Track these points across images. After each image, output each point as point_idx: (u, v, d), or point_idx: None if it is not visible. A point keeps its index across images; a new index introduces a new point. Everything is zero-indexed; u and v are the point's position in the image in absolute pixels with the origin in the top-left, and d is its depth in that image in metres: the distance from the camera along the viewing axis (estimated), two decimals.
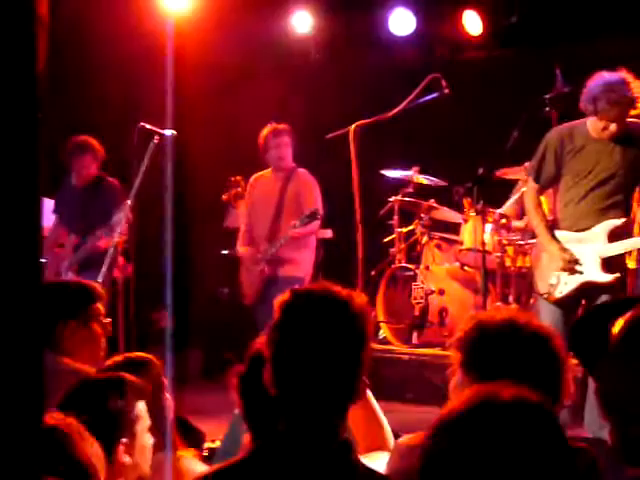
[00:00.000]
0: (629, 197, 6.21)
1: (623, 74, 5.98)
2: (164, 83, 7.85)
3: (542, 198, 6.49)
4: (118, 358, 3.82)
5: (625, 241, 6.11)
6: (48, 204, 9.17)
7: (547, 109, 6.01)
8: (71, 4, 8.74)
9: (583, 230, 6.22)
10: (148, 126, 7.61)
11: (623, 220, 6.13)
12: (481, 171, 6.03)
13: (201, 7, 9.33)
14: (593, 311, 2.50)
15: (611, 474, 2.79)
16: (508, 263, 8.51)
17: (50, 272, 8.00)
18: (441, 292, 8.82)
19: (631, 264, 6.16)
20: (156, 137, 7.53)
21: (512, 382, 1.77)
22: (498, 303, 8.28)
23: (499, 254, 8.44)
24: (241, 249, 8.22)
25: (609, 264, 6.13)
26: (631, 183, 6.19)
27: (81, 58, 10.01)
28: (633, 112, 6.04)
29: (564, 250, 6.21)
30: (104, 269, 7.34)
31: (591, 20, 9.40)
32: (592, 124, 6.14)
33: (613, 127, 6.05)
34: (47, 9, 1.80)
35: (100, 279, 7.34)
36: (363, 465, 2.56)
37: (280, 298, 2.56)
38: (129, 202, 7.58)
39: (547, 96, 6.01)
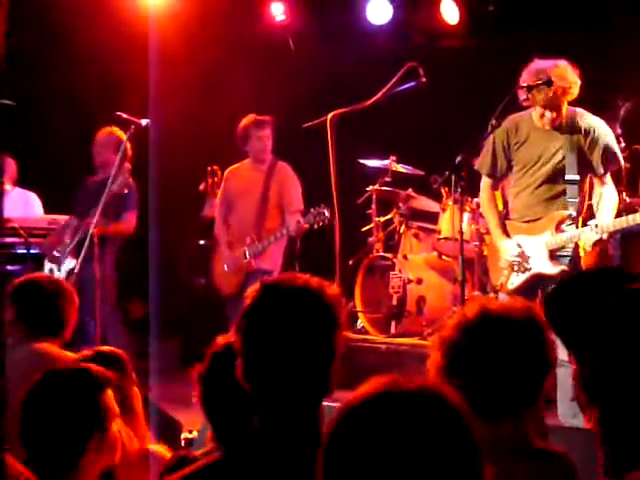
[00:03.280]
0: (577, 187, 6.12)
1: (559, 61, 5.97)
2: (143, 73, 7.83)
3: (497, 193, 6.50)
4: (87, 352, 3.77)
5: (570, 232, 6.07)
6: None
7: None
8: None
9: (532, 221, 6.23)
10: (124, 115, 7.58)
11: (570, 211, 6.09)
12: (458, 160, 6.00)
13: None
14: (566, 285, 2.45)
15: (590, 461, 2.79)
16: (486, 252, 8.51)
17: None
18: (419, 281, 8.81)
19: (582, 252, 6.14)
20: (132, 126, 7.50)
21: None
22: (476, 292, 8.28)
23: (477, 243, 8.44)
24: (225, 250, 8.17)
25: (557, 255, 6.12)
26: (577, 173, 6.10)
27: (61, 47, 9.94)
28: (569, 98, 6.01)
29: (513, 250, 6.20)
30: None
31: (568, 9, 9.41)
32: (535, 113, 6.14)
33: (549, 114, 6.04)
34: None
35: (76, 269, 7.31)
36: None
37: (250, 289, 2.51)
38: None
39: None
